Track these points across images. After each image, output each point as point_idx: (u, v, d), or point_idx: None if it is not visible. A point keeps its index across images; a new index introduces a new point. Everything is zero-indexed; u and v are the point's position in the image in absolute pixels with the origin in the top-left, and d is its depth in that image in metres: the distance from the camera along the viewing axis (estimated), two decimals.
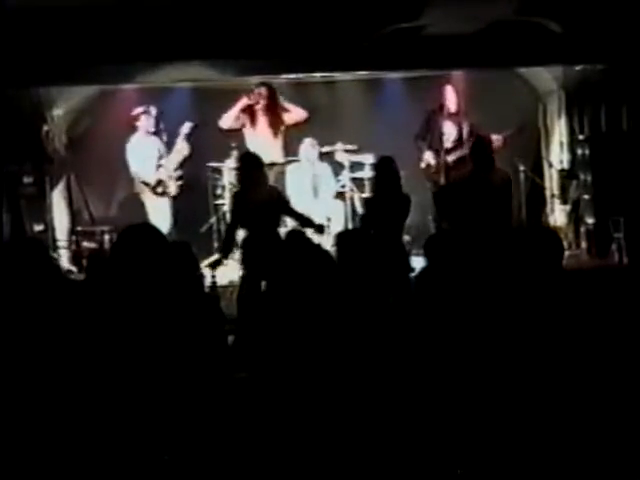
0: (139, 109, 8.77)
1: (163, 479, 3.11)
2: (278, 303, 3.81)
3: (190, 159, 8.86)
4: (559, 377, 3.15)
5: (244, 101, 8.86)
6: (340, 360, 3.42)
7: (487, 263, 4.12)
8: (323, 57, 7.87)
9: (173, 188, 8.76)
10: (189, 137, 8.69)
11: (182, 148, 8.73)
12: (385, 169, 6.60)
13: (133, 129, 8.81)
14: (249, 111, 8.90)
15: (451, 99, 8.60)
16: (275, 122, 8.94)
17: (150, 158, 8.74)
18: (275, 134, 8.95)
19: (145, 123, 8.77)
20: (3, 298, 3.37)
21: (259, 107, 8.86)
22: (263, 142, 8.74)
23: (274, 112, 8.92)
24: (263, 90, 8.86)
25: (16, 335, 3.23)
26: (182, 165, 8.81)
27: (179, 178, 8.78)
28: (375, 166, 6.92)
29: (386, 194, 6.56)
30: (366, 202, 6.79)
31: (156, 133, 8.84)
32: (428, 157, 8.57)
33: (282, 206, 6.73)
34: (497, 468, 3.08)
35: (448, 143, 8.51)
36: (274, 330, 3.65)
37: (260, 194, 6.38)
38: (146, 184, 8.72)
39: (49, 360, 3.19)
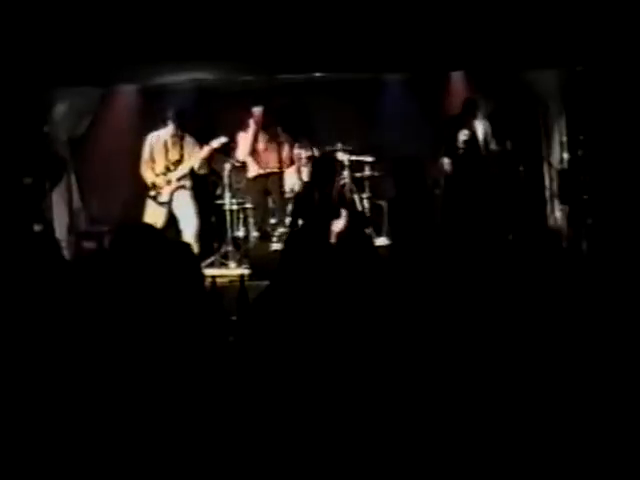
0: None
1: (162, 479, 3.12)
2: (280, 303, 3.81)
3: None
4: (559, 375, 3.15)
5: (242, 135, 8.97)
6: (341, 361, 3.42)
7: (489, 263, 4.12)
8: (323, 57, 7.88)
9: (166, 195, 8.40)
10: (215, 151, 8.41)
11: (202, 161, 8.40)
12: (409, 170, 6.35)
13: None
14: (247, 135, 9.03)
15: (469, 110, 8.60)
16: (270, 138, 9.05)
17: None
18: (271, 146, 9.06)
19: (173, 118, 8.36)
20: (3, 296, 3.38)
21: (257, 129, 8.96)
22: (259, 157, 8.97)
23: (269, 130, 9.03)
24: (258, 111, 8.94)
25: (15, 333, 3.23)
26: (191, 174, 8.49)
27: (180, 187, 8.41)
28: (398, 168, 6.67)
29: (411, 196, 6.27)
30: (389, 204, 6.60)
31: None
32: (444, 159, 8.57)
33: None
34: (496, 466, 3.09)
35: (461, 150, 8.53)
36: (275, 330, 3.66)
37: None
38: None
39: (48, 359, 3.19)
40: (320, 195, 6.94)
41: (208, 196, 9.30)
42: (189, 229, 8.27)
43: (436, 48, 7.72)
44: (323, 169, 7.10)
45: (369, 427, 3.23)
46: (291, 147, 9.11)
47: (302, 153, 8.98)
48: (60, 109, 8.90)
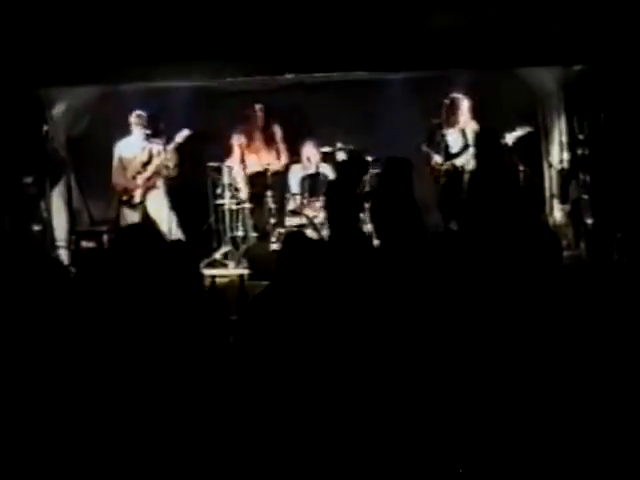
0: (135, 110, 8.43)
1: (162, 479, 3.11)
2: (279, 303, 3.81)
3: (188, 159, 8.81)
4: (559, 376, 3.15)
5: (236, 139, 9.02)
6: (341, 361, 3.41)
7: (487, 263, 4.11)
8: (323, 57, 7.87)
9: (138, 197, 8.37)
10: (181, 146, 8.35)
11: (170, 157, 8.36)
12: (396, 172, 6.26)
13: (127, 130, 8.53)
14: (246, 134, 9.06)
15: (455, 109, 8.56)
16: (269, 138, 9.12)
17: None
18: (269, 146, 9.11)
19: (138, 124, 8.40)
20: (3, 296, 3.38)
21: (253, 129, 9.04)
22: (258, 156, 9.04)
23: (269, 129, 9.10)
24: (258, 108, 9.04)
25: (15, 334, 3.23)
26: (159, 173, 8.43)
27: (151, 187, 8.38)
28: (386, 167, 6.58)
29: (393, 200, 6.19)
30: (372, 208, 6.59)
31: (154, 135, 8.51)
32: (436, 159, 8.54)
33: None
34: (497, 466, 3.08)
35: (454, 150, 8.49)
36: (275, 330, 3.65)
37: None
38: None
39: (47, 359, 3.19)
40: (351, 193, 6.90)
41: (206, 195, 9.28)
42: (167, 225, 8.25)
43: (435, 47, 7.71)
44: (356, 168, 7.07)
45: (368, 426, 3.23)
46: (290, 146, 9.12)
47: (316, 151, 9.01)
48: (59, 109, 8.88)
